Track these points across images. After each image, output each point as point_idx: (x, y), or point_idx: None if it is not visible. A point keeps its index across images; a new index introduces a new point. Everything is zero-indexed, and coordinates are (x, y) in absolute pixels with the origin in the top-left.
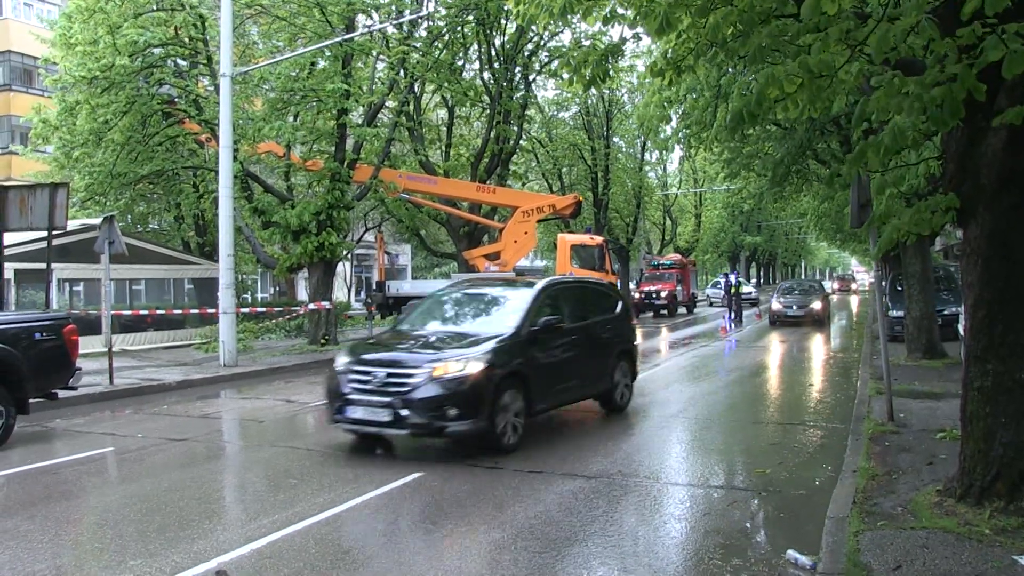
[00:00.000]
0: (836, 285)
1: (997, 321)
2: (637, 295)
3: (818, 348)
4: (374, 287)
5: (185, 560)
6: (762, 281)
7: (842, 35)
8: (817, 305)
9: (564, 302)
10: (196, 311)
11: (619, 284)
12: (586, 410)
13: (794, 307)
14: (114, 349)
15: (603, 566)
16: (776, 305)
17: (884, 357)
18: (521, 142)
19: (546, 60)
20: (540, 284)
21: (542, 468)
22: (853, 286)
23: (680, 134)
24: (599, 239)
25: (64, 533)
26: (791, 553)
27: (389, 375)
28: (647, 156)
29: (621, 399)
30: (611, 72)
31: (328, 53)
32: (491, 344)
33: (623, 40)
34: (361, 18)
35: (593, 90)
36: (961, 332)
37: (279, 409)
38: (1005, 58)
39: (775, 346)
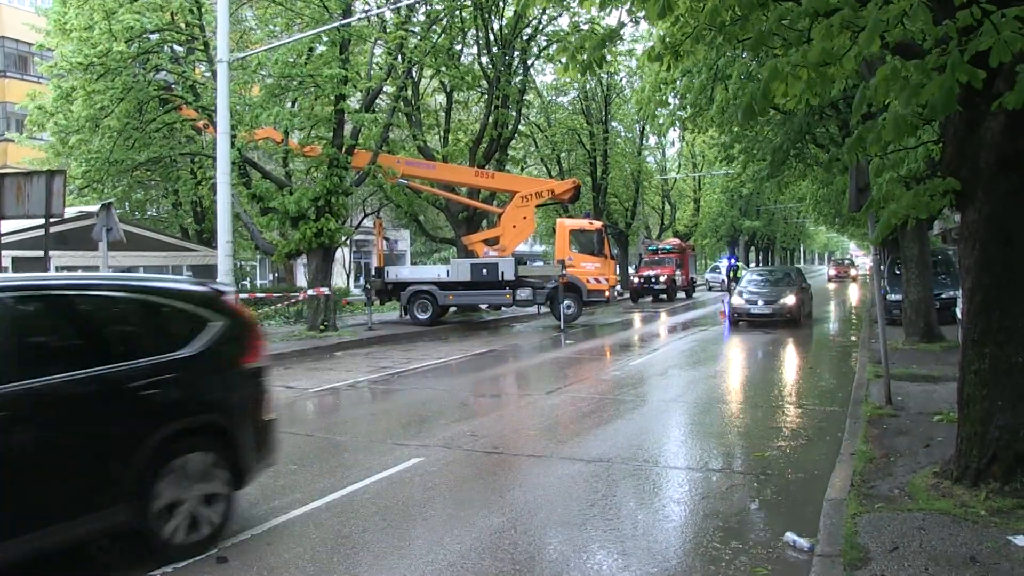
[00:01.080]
0: (832, 271)
1: (994, 305)
2: (636, 279)
3: (816, 333)
4: (373, 273)
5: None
6: (761, 265)
7: (843, 22)
8: (790, 300)
9: None
10: None
11: (618, 269)
12: (582, 397)
13: (760, 302)
14: None
15: (602, 550)
16: (737, 300)
17: (882, 341)
18: (519, 127)
19: (544, 44)
20: None
21: (541, 452)
22: (852, 272)
23: (676, 116)
24: (598, 224)
25: None
26: (789, 535)
27: None
28: (646, 140)
29: (168, 535)
30: (608, 57)
31: (326, 38)
32: None
33: (621, 24)
34: (359, 3)
35: (591, 75)
36: (959, 316)
37: (278, 395)
38: (993, 46)
39: (774, 330)
